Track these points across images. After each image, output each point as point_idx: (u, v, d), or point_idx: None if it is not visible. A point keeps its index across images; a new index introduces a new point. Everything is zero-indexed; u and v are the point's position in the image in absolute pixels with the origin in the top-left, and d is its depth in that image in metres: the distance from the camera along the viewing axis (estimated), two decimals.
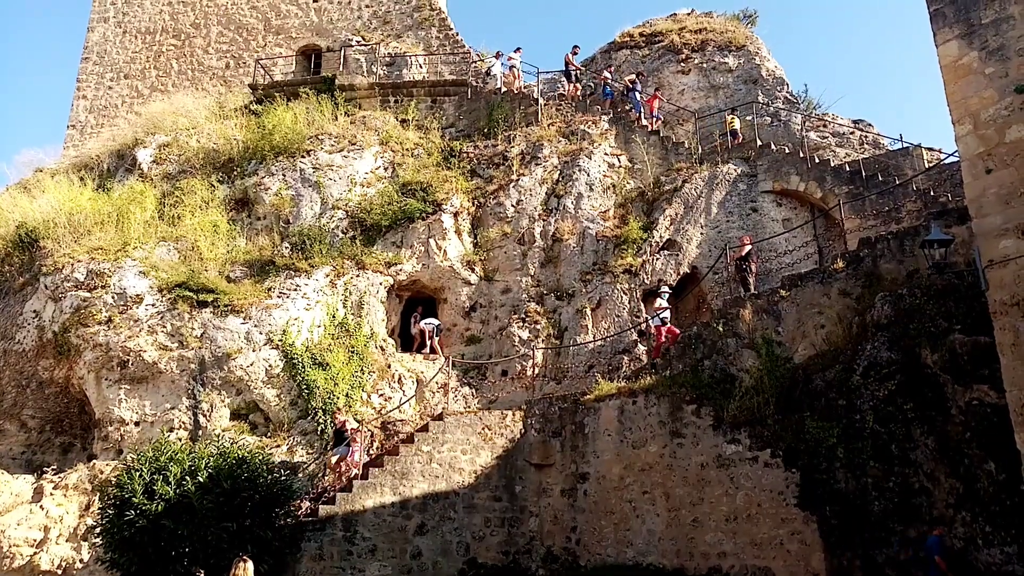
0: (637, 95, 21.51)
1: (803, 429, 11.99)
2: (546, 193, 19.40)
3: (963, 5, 10.53)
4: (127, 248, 17.24)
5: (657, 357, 15.12)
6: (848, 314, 12.86)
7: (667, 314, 16.37)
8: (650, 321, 16.56)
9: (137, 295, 16.27)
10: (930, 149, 19.54)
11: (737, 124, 20.41)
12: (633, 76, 22.31)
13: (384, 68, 23.19)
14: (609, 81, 22.32)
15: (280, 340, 16.09)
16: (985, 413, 10.02)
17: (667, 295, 16.90)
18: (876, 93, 64.43)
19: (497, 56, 22.92)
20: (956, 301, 10.96)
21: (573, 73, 22.75)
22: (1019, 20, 9.91)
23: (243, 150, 20.44)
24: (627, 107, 21.44)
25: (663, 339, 15.84)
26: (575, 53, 23.35)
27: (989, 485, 9.83)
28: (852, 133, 21.77)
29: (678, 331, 15.76)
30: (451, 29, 26.16)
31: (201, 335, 15.88)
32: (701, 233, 18.37)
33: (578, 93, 22.35)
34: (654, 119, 21.20)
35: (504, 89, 21.94)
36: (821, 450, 11.67)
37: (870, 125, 22.20)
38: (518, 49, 22.97)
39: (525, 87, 22.58)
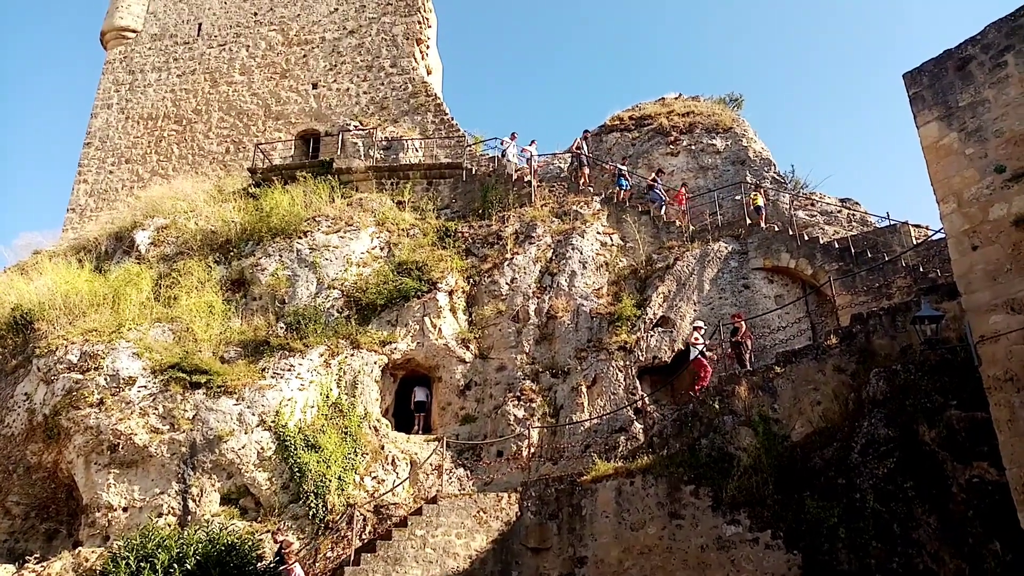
0: (659, 191, 21.70)
1: (803, 509, 11.76)
2: (540, 271, 19.59)
3: (941, 89, 10.92)
4: (121, 330, 17.21)
5: (700, 388, 15.23)
6: (844, 390, 12.81)
7: (702, 345, 16.43)
8: (691, 353, 16.58)
9: (130, 377, 16.16)
10: (917, 226, 19.88)
11: (761, 200, 20.69)
12: (654, 174, 22.44)
13: (381, 151, 23.74)
14: (624, 172, 22.61)
15: (273, 421, 15.91)
16: (986, 491, 9.86)
17: (703, 328, 16.90)
18: (861, 172, 66.01)
19: (513, 137, 23.43)
20: (951, 376, 10.93)
21: (585, 158, 23.16)
22: (993, 103, 10.26)
23: (240, 232, 20.70)
24: (651, 203, 21.55)
25: (704, 372, 15.94)
26: (585, 138, 23.96)
27: (996, 566, 9.59)
28: (840, 211, 22.17)
29: (710, 368, 15.92)
30: (446, 114, 26.94)
31: (193, 417, 15.70)
32: (695, 310, 18.46)
33: (587, 178, 22.62)
34: (682, 212, 21.16)
35: (527, 178, 22.28)
36: (822, 530, 11.42)
37: (857, 203, 22.64)
38: (533, 142, 23.63)
39: (518, 169, 23.02)
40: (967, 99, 10.56)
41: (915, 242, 19.01)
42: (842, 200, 22.79)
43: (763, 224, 19.79)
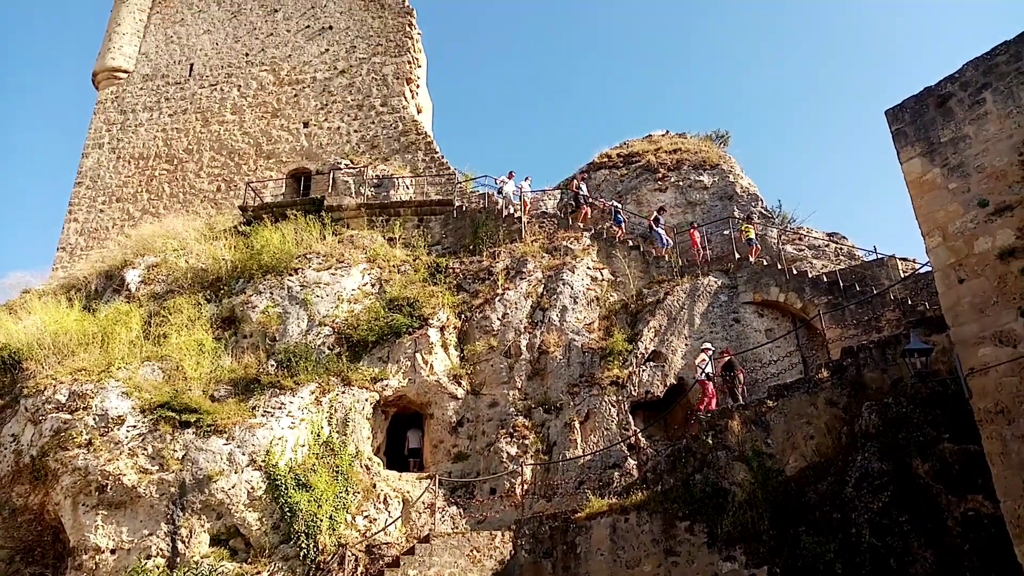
0: (661, 231, 21.59)
1: (799, 544, 11.69)
2: (531, 306, 19.63)
3: (922, 125, 11.15)
4: (111, 369, 17.07)
5: (699, 410, 15.26)
6: (836, 424, 12.82)
7: (709, 368, 16.34)
8: (696, 374, 16.54)
9: (119, 416, 15.99)
10: (904, 259, 20.09)
11: (753, 233, 20.86)
12: (655, 213, 22.29)
13: (372, 189, 23.89)
14: (619, 208, 22.73)
15: (263, 461, 15.73)
16: (982, 524, 9.85)
17: (711, 351, 16.89)
18: (848, 207, 66.82)
19: (510, 176, 23.62)
20: (942, 409, 10.98)
21: (583, 198, 23.25)
22: (974, 139, 10.49)
23: (231, 269, 20.70)
24: (652, 244, 21.52)
25: (708, 395, 15.95)
26: (583, 179, 24.06)
27: None
28: (827, 245, 22.42)
29: (714, 393, 16.01)
30: (437, 152, 27.19)
31: (182, 457, 15.52)
32: (686, 344, 18.52)
33: (587, 217, 22.66)
34: (699, 252, 21.04)
35: (517, 215, 22.44)
36: (819, 566, 11.34)
37: (844, 237, 22.89)
38: (527, 178, 23.89)
39: (513, 205, 23.16)
40: (948, 135, 10.78)
41: (902, 275, 19.19)
42: (829, 234, 23.06)
43: (753, 257, 19.96)
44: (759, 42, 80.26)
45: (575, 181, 24.03)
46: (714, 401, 15.88)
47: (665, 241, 21.45)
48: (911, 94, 11.47)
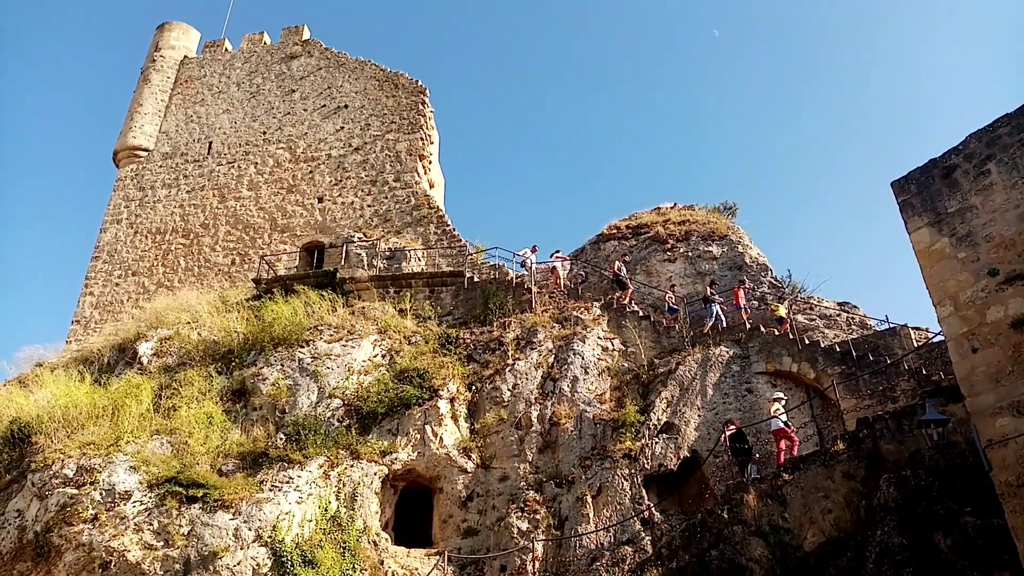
0: (716, 307, 20.94)
1: None
2: (542, 376, 19.50)
3: (929, 196, 11.26)
4: (119, 442, 16.96)
5: (781, 464, 14.75)
6: (854, 497, 12.53)
7: (784, 417, 15.97)
8: (772, 425, 16.16)
9: (126, 491, 15.80)
10: (916, 329, 19.98)
11: (783, 311, 20.64)
12: (709, 289, 21.59)
13: (384, 261, 24.15)
14: (671, 299, 22.15)
15: (270, 536, 15.42)
16: None
17: (783, 399, 16.63)
18: (858, 276, 66.85)
19: (534, 250, 23.92)
20: (962, 481, 10.72)
21: (624, 279, 22.91)
22: (981, 209, 10.57)
23: (243, 342, 20.77)
24: (708, 322, 20.87)
25: (784, 446, 15.57)
26: (624, 260, 23.94)
27: None
28: (839, 315, 22.34)
29: (796, 438, 15.67)
30: (448, 225, 27.58)
31: (188, 533, 15.24)
32: (699, 415, 18.29)
33: (629, 298, 22.35)
34: (742, 310, 20.86)
35: (550, 289, 22.58)
36: None
37: (855, 307, 22.83)
38: (558, 251, 24.41)
39: (517, 276, 23.33)
40: (955, 205, 10.87)
41: (915, 345, 19.04)
42: (840, 304, 23.00)
43: (788, 332, 19.78)
44: (766, 114, 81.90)
45: (616, 263, 23.60)
46: (795, 448, 15.58)
47: (721, 319, 20.65)
48: (916, 165, 11.64)
